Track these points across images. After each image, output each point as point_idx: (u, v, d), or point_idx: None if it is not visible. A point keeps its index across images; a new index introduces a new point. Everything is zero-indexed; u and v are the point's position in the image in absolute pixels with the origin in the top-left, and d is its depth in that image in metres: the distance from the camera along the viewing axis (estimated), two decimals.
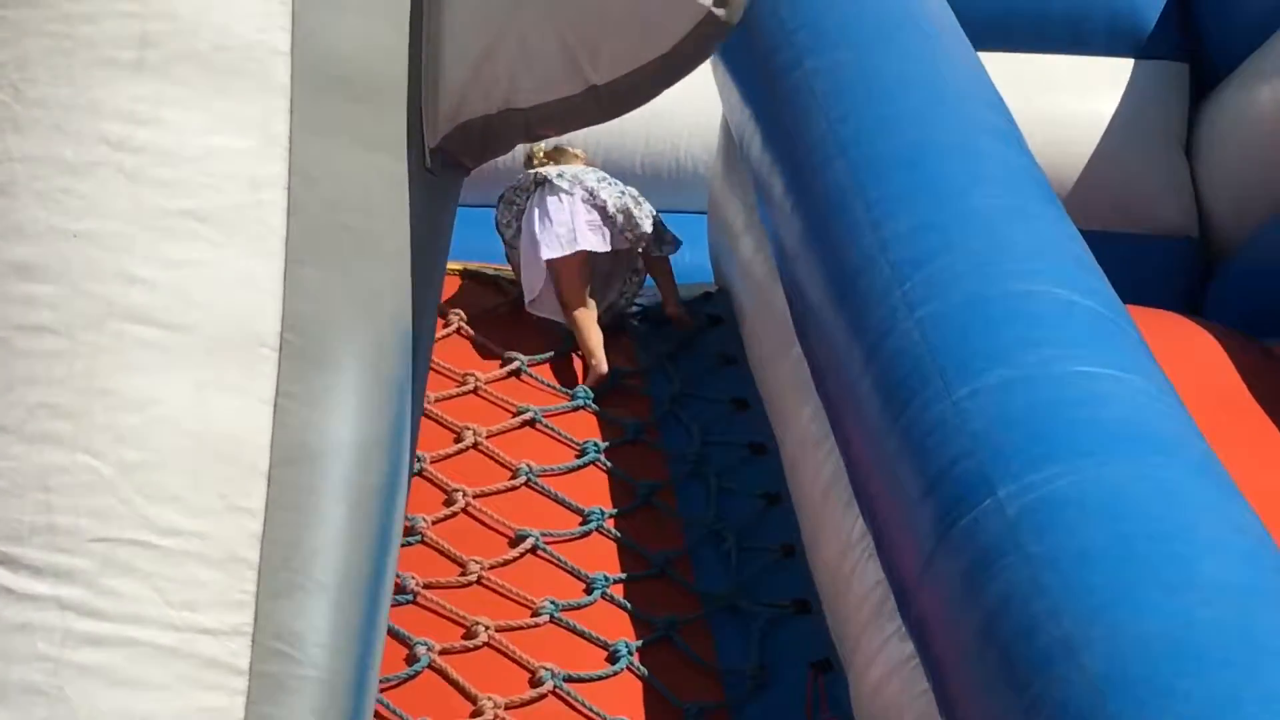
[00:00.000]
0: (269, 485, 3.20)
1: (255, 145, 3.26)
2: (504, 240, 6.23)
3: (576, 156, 6.41)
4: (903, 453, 4.44)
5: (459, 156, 3.52)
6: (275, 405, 3.21)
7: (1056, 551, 3.88)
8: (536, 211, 6.03)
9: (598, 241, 5.99)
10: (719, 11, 3.36)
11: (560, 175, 6.10)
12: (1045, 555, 3.88)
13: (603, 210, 6.02)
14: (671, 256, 6.27)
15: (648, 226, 6.07)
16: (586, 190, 6.04)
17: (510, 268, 6.31)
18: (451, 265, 6.07)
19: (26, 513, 3.09)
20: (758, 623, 5.12)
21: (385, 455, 3.40)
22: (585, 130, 7.06)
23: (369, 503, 3.37)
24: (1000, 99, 5.44)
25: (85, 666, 3.06)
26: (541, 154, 6.39)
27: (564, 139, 6.33)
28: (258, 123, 3.27)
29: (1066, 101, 7.48)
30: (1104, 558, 3.83)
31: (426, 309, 3.55)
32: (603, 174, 6.24)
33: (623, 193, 6.09)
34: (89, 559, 3.09)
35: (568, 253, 5.92)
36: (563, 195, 6.04)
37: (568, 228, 5.96)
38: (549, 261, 5.93)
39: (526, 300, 6.03)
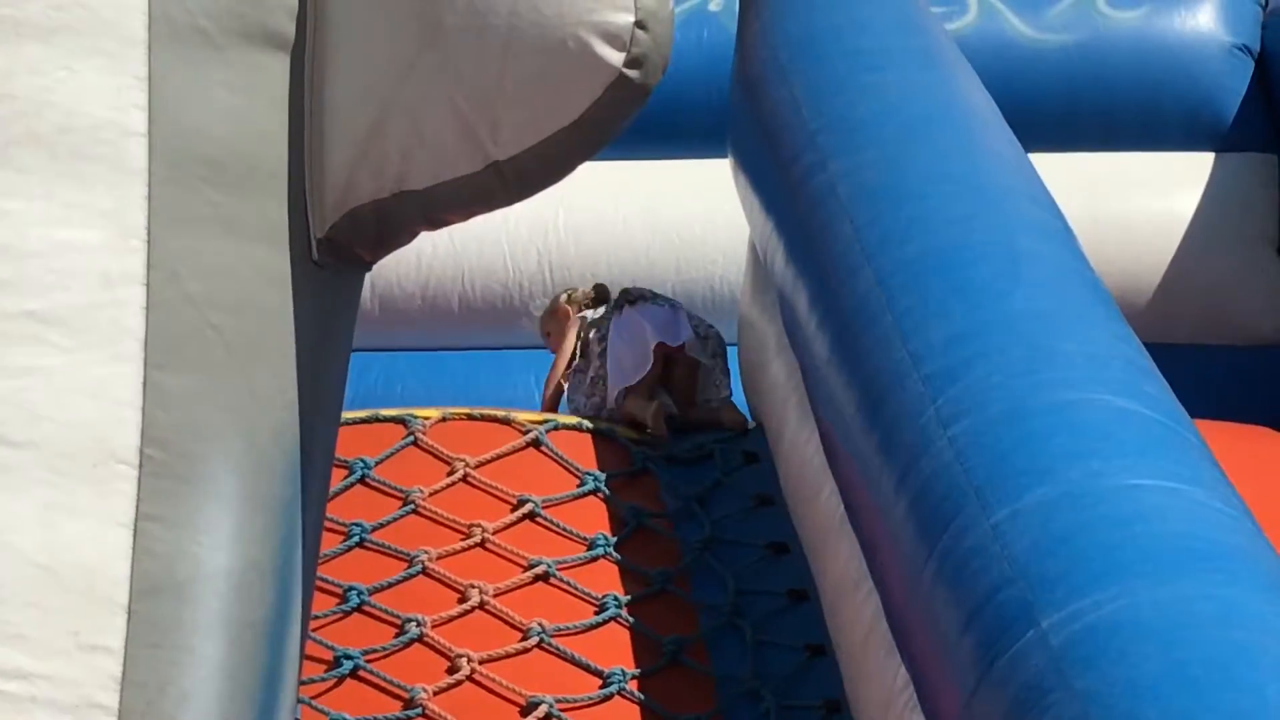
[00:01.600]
0: (129, 620, 3.11)
1: (108, 238, 3.21)
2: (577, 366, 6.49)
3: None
4: (938, 586, 4.33)
5: (352, 248, 3.46)
6: (135, 529, 3.13)
7: (1106, 684, 3.70)
8: (614, 327, 6.32)
9: (671, 333, 6.27)
10: (632, 73, 3.31)
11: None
12: (1093, 689, 3.71)
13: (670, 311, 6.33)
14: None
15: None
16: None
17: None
18: (455, 410, 6.15)
19: None
20: None
21: (270, 583, 3.30)
22: (609, 260, 7.28)
23: (251, 638, 3.28)
24: (1047, 193, 5.44)
25: None
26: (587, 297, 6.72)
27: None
28: (111, 212, 3.23)
29: (1142, 202, 7.63)
30: (1158, 689, 3.64)
31: (322, 420, 3.48)
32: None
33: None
34: None
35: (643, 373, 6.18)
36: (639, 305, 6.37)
37: (642, 342, 6.22)
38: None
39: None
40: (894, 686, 4.48)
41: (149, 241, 3.21)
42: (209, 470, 3.21)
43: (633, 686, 5.13)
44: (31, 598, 3.08)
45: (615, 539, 5.66)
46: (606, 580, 5.53)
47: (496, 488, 5.79)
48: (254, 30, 3.34)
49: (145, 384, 3.16)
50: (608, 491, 5.88)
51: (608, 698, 5.09)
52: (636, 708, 5.11)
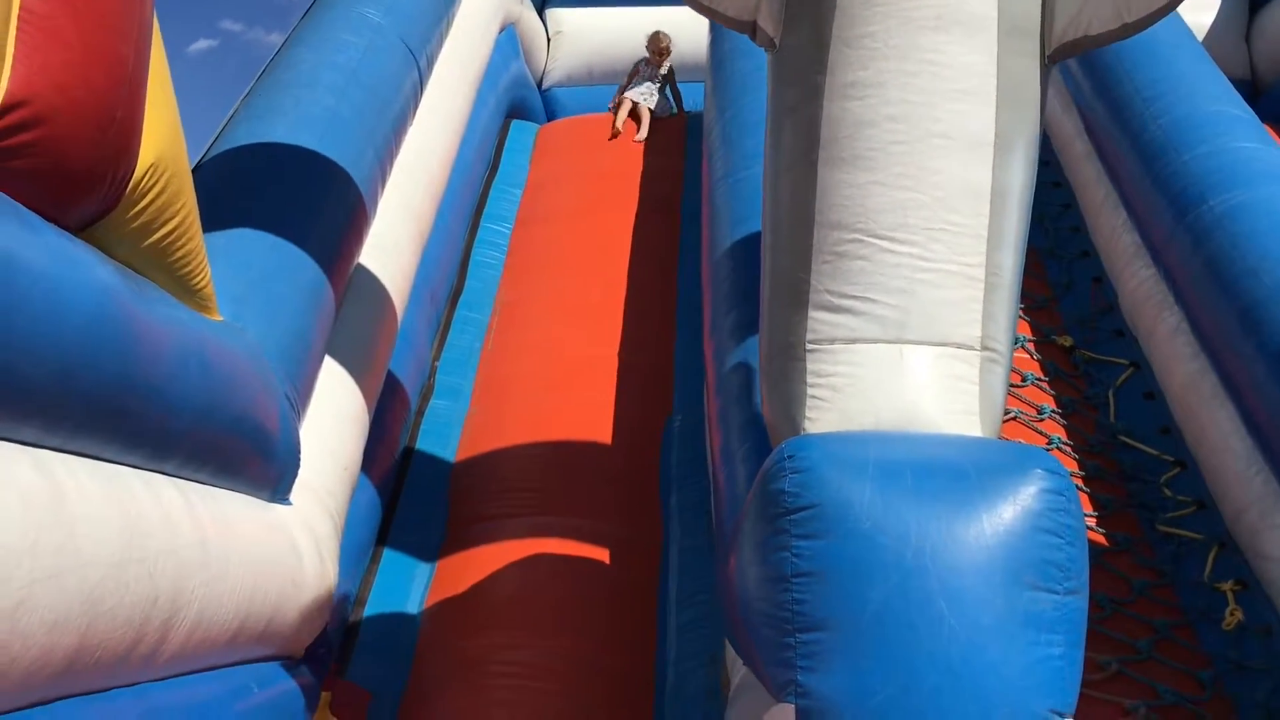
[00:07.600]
0: (990, 206, 4.84)
1: (985, 60, 4.89)
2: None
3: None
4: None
5: (1056, 58, 5.10)
6: (993, 168, 4.83)
7: (1237, 231, 7.32)
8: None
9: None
10: None
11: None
12: (1237, 233, 7.33)
13: None
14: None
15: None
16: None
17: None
18: None
19: (881, 214, 4.76)
20: None
21: (1028, 199, 4.96)
22: None
23: (1026, 223, 4.83)
24: None
25: (930, 281, 4.74)
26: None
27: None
28: (987, 51, 4.86)
29: None
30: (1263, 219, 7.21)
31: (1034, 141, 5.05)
32: None
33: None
34: (920, 234, 4.77)
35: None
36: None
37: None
38: None
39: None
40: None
41: (998, 63, 4.81)
42: (1018, 149, 4.85)
43: None
44: (960, 199, 4.73)
45: None
46: None
47: None
48: None
49: (996, 122, 4.82)
50: None
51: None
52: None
